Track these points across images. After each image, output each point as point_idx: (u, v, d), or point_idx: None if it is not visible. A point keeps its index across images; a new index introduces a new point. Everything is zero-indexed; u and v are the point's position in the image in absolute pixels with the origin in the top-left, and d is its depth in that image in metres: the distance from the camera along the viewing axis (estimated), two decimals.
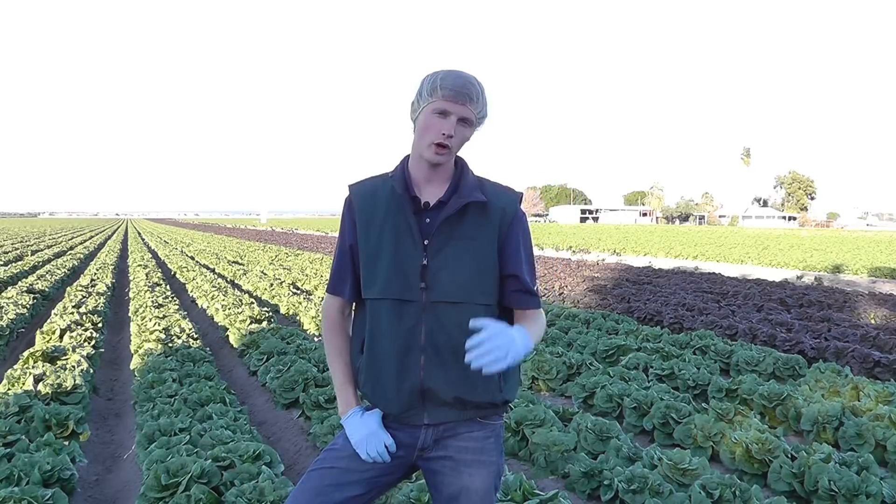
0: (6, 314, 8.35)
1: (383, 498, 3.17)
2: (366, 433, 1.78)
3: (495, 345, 1.56)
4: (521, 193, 1.85)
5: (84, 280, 12.86)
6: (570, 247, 31.66)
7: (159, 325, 7.74)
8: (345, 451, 1.82)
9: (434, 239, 1.75)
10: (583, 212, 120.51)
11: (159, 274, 14.67)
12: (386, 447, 1.78)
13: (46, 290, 11.72)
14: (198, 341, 7.13)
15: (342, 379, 1.88)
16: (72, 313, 8.32)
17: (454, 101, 1.69)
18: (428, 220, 1.76)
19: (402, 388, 1.76)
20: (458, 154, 1.85)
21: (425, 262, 1.73)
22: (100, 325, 8.21)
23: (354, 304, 1.90)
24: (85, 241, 34.22)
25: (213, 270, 17.11)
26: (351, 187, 1.87)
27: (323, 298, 10.19)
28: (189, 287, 12.88)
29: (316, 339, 7.54)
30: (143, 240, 36.12)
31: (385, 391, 1.78)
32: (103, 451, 4.68)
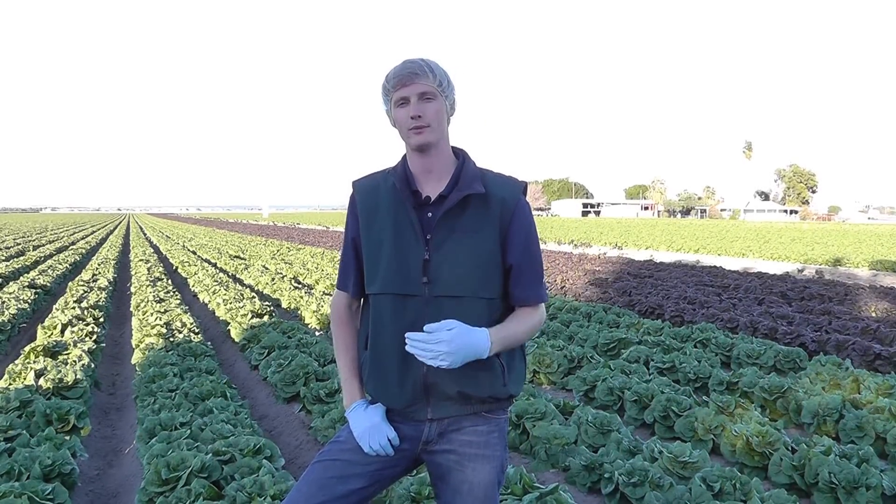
0: (8, 309, 8.36)
1: (384, 492, 3.18)
2: (368, 426, 1.78)
3: (434, 346, 1.63)
4: (525, 183, 1.82)
5: (86, 275, 12.86)
6: (572, 240, 31.63)
7: (161, 319, 7.74)
8: (349, 443, 1.82)
9: (436, 233, 1.74)
10: (584, 206, 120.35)
11: (161, 269, 14.69)
12: (389, 440, 1.78)
13: (48, 285, 11.73)
14: (199, 336, 7.13)
15: (347, 373, 1.89)
16: (73, 308, 8.33)
17: (403, 84, 1.72)
18: (429, 214, 1.76)
19: (406, 383, 1.76)
20: (459, 147, 1.84)
21: (427, 256, 1.73)
22: (101, 319, 8.22)
23: (362, 299, 1.92)
24: (87, 236, 34.25)
25: (214, 265, 17.12)
26: (354, 183, 1.88)
27: (325, 293, 10.15)
28: (191, 282, 12.88)
29: (317, 334, 7.55)
30: (144, 235, 36.14)
31: (388, 386, 1.78)
32: (104, 445, 4.69)
